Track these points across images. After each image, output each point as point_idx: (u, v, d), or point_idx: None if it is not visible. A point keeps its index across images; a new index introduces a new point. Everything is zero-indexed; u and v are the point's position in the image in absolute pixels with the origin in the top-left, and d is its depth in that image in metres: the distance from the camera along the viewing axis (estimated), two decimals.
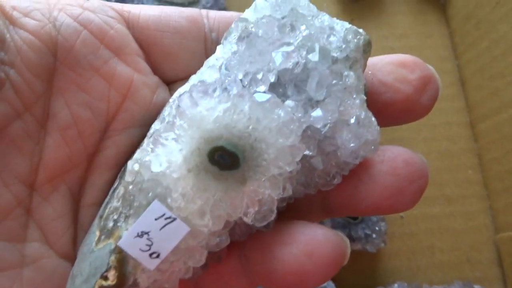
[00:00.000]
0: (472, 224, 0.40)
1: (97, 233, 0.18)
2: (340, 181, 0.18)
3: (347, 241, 0.18)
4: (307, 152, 0.18)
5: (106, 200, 0.19)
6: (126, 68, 0.20)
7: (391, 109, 0.19)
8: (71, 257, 0.19)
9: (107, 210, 0.18)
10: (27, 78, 0.18)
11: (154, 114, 0.20)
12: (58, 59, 0.19)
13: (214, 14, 0.21)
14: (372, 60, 0.20)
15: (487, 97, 0.42)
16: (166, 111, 0.19)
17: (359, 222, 0.37)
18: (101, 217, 0.19)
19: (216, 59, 0.19)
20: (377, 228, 0.36)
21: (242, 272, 0.19)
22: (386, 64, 0.19)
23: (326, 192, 0.19)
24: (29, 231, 0.19)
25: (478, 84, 0.43)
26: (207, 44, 0.21)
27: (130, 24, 0.20)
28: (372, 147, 0.18)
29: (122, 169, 0.20)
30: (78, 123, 0.19)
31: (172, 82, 0.21)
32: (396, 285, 0.36)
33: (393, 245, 0.40)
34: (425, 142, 0.43)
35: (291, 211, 0.19)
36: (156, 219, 0.15)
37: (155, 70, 0.21)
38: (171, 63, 0.21)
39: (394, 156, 0.18)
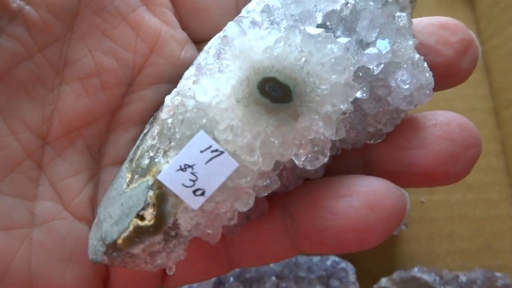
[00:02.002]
0: (494, 212, 0.39)
1: (128, 175, 0.16)
2: (391, 129, 0.17)
3: (407, 194, 0.16)
4: (359, 95, 0.16)
5: (136, 144, 0.18)
6: (155, 19, 0.18)
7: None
8: (88, 219, 0.18)
9: (139, 151, 0.17)
10: (44, 16, 0.16)
11: (182, 70, 0.18)
12: (82, 1, 0.17)
13: None
14: None
15: None
16: (200, 57, 0.18)
17: None
18: (131, 160, 0.17)
19: (257, 3, 0.18)
20: None
21: (285, 233, 0.17)
22: (427, 26, 0.18)
23: (370, 155, 0.18)
24: (41, 189, 0.17)
25: (504, 70, 0.42)
26: (239, 3, 0.20)
27: None
28: (427, 92, 0.17)
29: (152, 117, 0.18)
30: (101, 72, 0.17)
31: (200, 42, 0.20)
32: (416, 269, 0.34)
33: (413, 231, 0.38)
34: None
35: (330, 174, 0.18)
36: (201, 152, 0.14)
37: (184, 27, 0.19)
38: (200, 19, 0.19)
39: (448, 120, 0.17)
